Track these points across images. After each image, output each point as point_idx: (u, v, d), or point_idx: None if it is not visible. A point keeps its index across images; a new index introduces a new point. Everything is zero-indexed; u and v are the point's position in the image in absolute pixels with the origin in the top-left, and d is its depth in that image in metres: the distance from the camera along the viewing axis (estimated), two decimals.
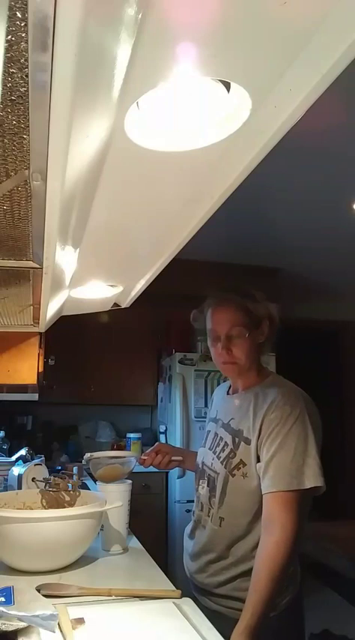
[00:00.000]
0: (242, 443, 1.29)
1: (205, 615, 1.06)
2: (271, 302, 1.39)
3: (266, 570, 1.12)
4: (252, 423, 1.27)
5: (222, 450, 1.34)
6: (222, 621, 1.07)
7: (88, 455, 1.57)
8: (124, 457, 1.60)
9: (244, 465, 1.26)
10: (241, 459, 1.27)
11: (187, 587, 1.31)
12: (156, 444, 1.64)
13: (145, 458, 1.56)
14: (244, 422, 1.30)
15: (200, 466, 1.43)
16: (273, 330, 1.38)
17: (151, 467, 1.57)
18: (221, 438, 1.37)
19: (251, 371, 1.38)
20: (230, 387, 1.48)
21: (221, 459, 1.33)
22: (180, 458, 1.59)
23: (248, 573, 1.21)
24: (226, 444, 1.33)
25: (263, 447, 1.23)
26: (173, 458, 1.57)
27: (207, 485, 1.36)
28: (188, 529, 1.45)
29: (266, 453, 1.22)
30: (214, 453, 1.37)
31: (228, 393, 1.47)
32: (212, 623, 1.02)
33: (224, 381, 1.55)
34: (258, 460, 1.24)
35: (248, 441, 1.27)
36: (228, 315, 1.34)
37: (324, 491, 1.20)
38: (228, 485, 1.29)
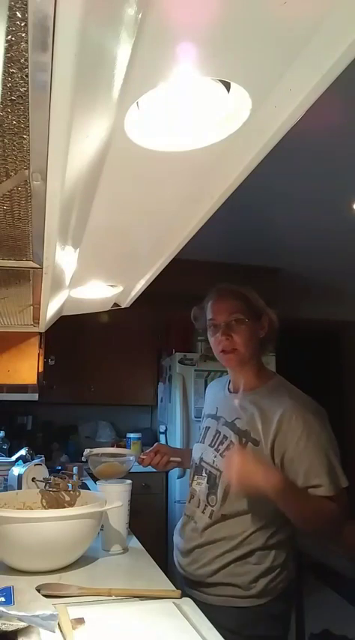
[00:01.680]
0: (249, 443, 1.29)
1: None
2: (269, 307, 1.41)
3: (316, 509, 1.20)
4: (262, 427, 1.27)
5: (227, 448, 1.34)
6: (214, 613, 1.07)
7: (87, 451, 1.58)
8: (124, 455, 1.60)
9: None
10: None
11: (179, 584, 1.32)
12: (156, 444, 1.65)
13: (144, 457, 1.57)
14: (251, 424, 1.30)
15: (197, 462, 1.43)
16: (273, 331, 1.39)
17: (151, 467, 1.57)
18: (224, 437, 1.36)
19: (251, 366, 1.38)
20: (229, 383, 1.48)
21: (224, 457, 1.33)
22: (178, 459, 1.60)
23: (242, 558, 1.22)
24: (231, 442, 1.33)
25: (290, 455, 1.24)
26: (171, 459, 1.58)
27: (207, 482, 1.36)
28: (178, 525, 1.45)
29: (299, 461, 1.23)
30: (217, 450, 1.37)
31: (229, 391, 1.46)
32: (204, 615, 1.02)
33: (220, 377, 1.55)
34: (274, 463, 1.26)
35: (256, 443, 1.27)
36: (228, 303, 1.37)
37: None
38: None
